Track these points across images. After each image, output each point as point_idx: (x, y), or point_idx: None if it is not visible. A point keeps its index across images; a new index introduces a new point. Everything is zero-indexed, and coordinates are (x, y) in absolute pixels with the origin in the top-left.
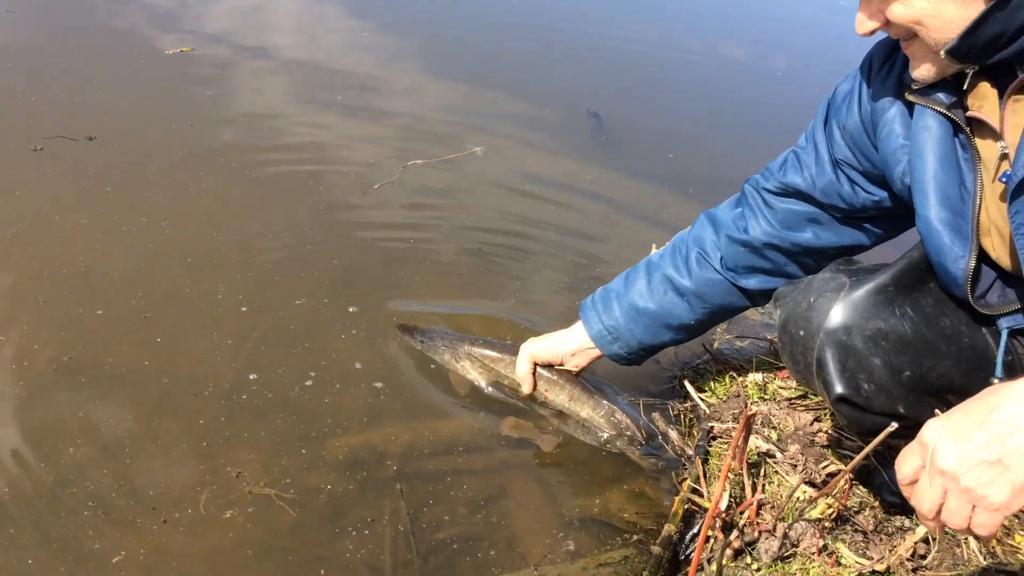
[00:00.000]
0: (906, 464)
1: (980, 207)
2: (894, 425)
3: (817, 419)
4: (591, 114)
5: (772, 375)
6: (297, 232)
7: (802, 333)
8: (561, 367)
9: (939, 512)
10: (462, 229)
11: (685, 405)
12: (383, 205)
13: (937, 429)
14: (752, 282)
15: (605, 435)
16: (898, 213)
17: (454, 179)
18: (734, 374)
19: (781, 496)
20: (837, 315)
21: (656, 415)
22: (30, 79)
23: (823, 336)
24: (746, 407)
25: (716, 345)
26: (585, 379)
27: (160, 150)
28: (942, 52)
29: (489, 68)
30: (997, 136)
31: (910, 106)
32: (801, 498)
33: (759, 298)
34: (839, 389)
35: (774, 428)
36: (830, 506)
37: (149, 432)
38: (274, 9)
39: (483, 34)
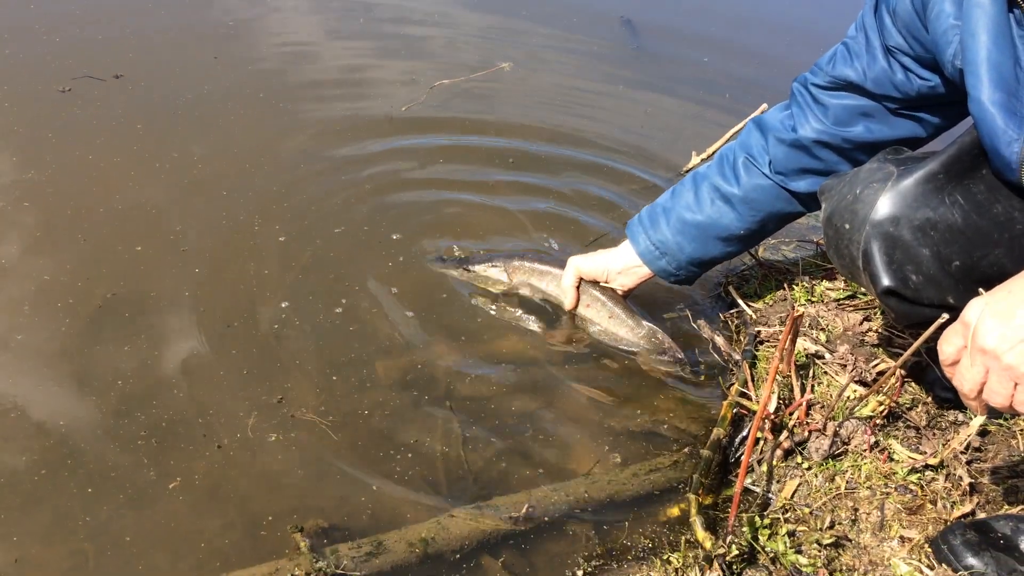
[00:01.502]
0: (948, 344)
1: None
2: (945, 316)
3: (867, 318)
4: (623, 21)
5: (819, 277)
6: (328, 160)
7: (848, 226)
8: (607, 285)
9: (981, 391)
10: (490, 147)
11: (731, 312)
12: (412, 128)
13: (980, 308)
14: (803, 184)
15: (645, 355)
16: (954, 100)
17: (482, 96)
18: (780, 278)
19: (831, 396)
20: (884, 206)
21: (702, 322)
22: (52, 20)
23: (869, 228)
24: (793, 309)
25: (761, 252)
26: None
27: (188, 84)
28: None
29: None
30: None
31: None
32: (851, 397)
33: (811, 202)
34: (886, 282)
35: (822, 330)
36: (881, 403)
37: (195, 363)
38: None
39: None
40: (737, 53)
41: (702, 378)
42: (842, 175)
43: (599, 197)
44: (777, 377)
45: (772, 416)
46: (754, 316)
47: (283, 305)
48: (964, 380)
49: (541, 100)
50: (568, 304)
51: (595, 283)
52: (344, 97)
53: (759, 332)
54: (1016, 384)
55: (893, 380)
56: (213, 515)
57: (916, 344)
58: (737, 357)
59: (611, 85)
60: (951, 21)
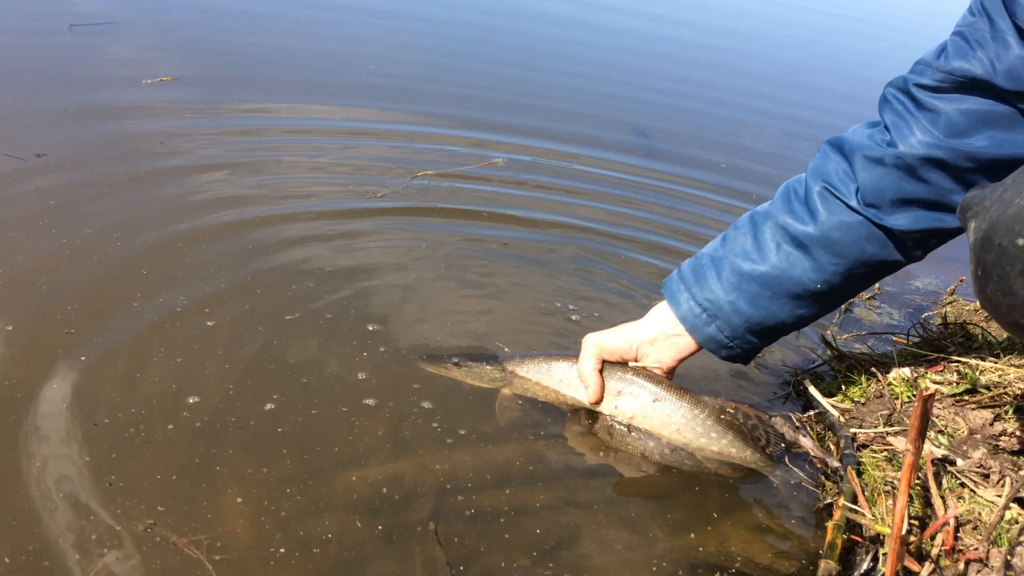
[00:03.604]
0: None
1: None
2: None
3: (997, 418)
4: (636, 130)
5: (922, 369)
6: (280, 246)
7: (1021, 242)
8: (637, 364)
9: None
10: (482, 234)
11: (807, 415)
12: (390, 213)
13: None
14: (903, 220)
15: (714, 444)
16: None
17: (471, 188)
18: (870, 372)
19: (978, 514)
20: None
21: (778, 419)
22: None
23: None
24: (922, 389)
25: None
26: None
27: (122, 166)
28: None
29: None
30: None
31: None
32: (1012, 518)
33: (912, 247)
34: None
35: (941, 432)
36: None
37: (106, 472)
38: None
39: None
40: (754, 157)
41: (792, 480)
42: (991, 185)
43: (612, 283)
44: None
45: (908, 540)
46: (842, 419)
47: (190, 400)
48: None
49: (536, 190)
50: (591, 396)
51: (623, 364)
52: (314, 179)
53: (855, 435)
54: None
55: None
56: None
57: None
58: (835, 464)
59: (622, 175)
60: None
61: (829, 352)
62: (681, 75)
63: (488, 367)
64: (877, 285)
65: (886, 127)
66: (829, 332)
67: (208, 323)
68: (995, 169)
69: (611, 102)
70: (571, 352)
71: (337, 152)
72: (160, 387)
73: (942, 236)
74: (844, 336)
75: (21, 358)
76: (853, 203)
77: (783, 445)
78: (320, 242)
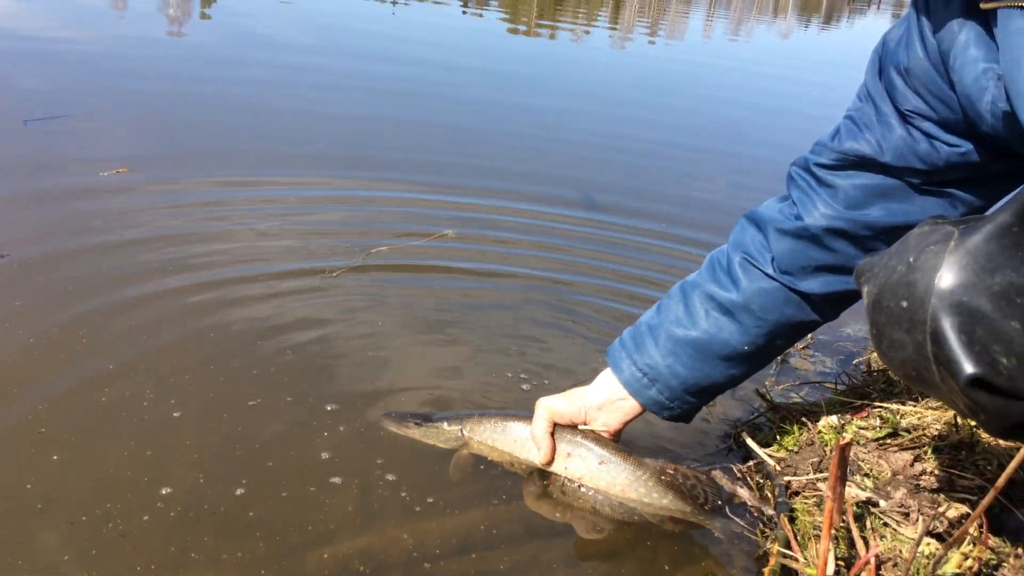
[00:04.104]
0: None
1: None
2: None
3: (917, 458)
4: (583, 195)
5: (848, 416)
6: (240, 328)
7: (905, 304)
8: (586, 427)
9: None
10: (430, 308)
11: (747, 465)
12: (346, 291)
13: None
14: (815, 284)
15: (656, 502)
16: (989, 173)
17: (422, 262)
18: (801, 422)
19: (899, 552)
20: (950, 271)
21: (717, 472)
22: None
23: (935, 301)
24: (840, 438)
25: (769, 397)
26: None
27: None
28: None
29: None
30: None
31: (986, 22)
32: (927, 552)
33: (826, 307)
34: (969, 368)
35: (866, 475)
36: (967, 556)
37: (88, 569)
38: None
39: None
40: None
41: (732, 529)
42: (883, 251)
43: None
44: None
45: None
46: (778, 467)
47: (163, 492)
48: None
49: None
50: (542, 458)
51: (573, 427)
52: (265, 258)
53: (789, 483)
54: None
55: (974, 529)
56: None
57: (1011, 467)
58: (770, 512)
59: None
60: (982, 66)
61: (764, 404)
62: (624, 133)
63: (447, 427)
64: (810, 336)
65: (793, 202)
66: (767, 383)
67: (175, 414)
68: (891, 235)
69: (558, 161)
70: (524, 413)
71: (290, 219)
72: (132, 480)
73: (852, 297)
74: (780, 387)
75: None
76: (769, 271)
77: (721, 500)
78: (277, 312)
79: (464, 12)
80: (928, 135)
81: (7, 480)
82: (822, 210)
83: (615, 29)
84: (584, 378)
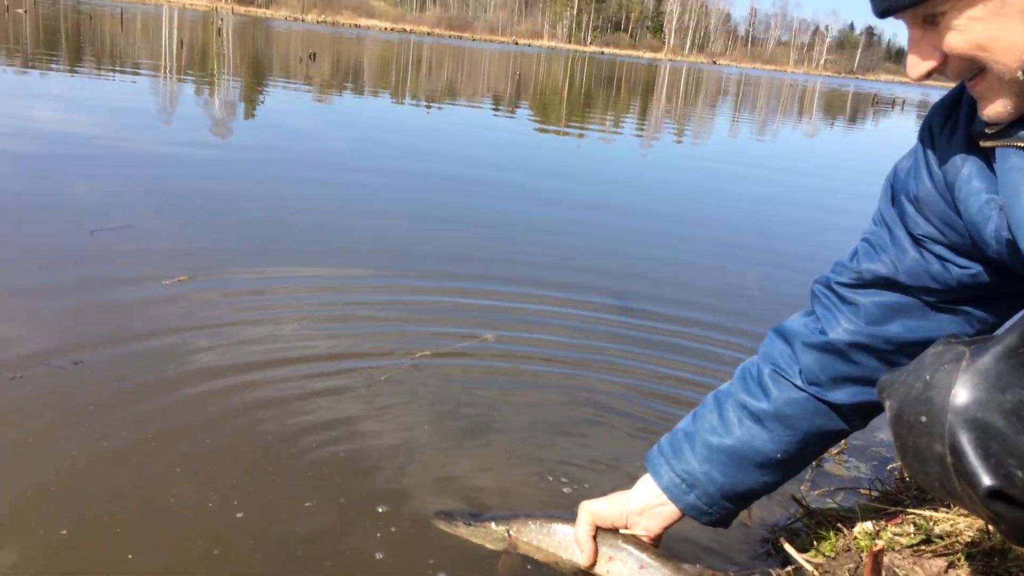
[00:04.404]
0: None
1: None
2: None
3: (951, 565)
4: (620, 302)
5: (883, 522)
6: (296, 433)
7: (924, 419)
8: (628, 532)
9: None
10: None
11: (785, 570)
12: (392, 393)
13: None
14: (842, 395)
15: None
16: (999, 292)
17: (464, 364)
18: (837, 528)
19: None
20: (964, 389)
21: (758, 574)
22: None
23: (952, 416)
24: (873, 544)
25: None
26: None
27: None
28: (1020, 74)
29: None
30: None
31: (986, 157)
32: None
33: (854, 417)
34: (987, 481)
35: None
36: None
37: None
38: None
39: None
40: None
41: None
42: (900, 368)
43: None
44: None
45: None
46: (815, 572)
47: None
48: None
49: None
50: (585, 560)
51: (615, 531)
52: (321, 371)
53: None
54: None
55: None
56: None
57: None
58: None
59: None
60: (984, 197)
61: (800, 510)
62: (656, 230)
63: (494, 527)
64: (844, 441)
65: (817, 317)
66: (802, 487)
67: (238, 515)
68: (911, 348)
69: (592, 260)
70: (568, 515)
71: (338, 322)
72: None
73: (878, 407)
74: (816, 491)
75: (80, 560)
76: (798, 382)
77: None
78: (329, 413)
79: (495, 115)
80: (940, 257)
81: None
82: (845, 325)
83: (642, 130)
84: (622, 480)
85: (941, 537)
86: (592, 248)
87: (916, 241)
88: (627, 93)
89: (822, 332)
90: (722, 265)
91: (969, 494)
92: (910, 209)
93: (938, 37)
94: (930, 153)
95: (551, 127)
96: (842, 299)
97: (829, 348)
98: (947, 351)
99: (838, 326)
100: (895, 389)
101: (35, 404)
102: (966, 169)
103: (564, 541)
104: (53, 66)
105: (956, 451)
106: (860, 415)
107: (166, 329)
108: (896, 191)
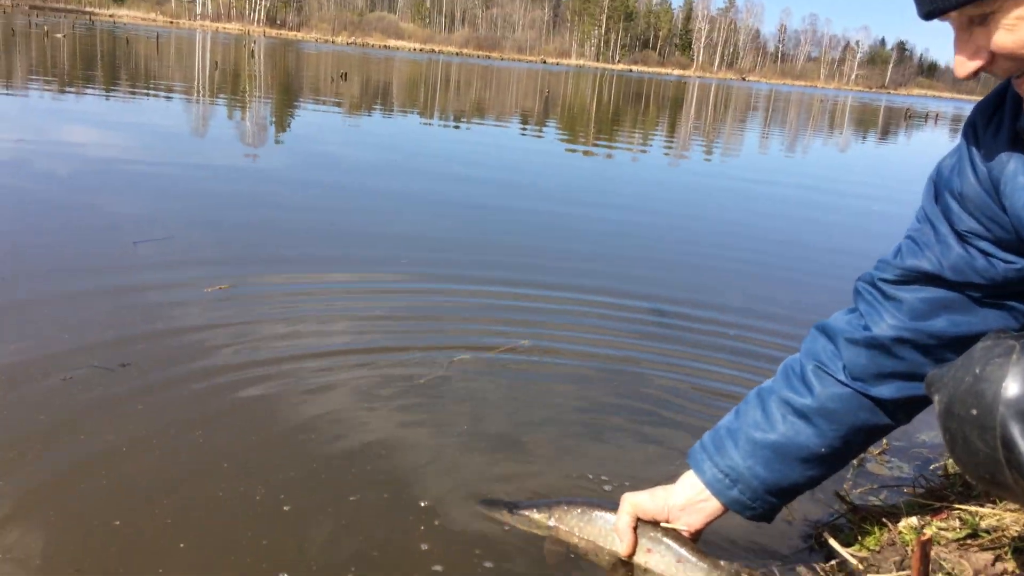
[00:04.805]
0: None
1: None
2: None
3: (998, 558)
4: (653, 305)
5: (928, 517)
6: (341, 431)
7: (975, 412)
8: (669, 526)
9: None
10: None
11: (829, 564)
12: (431, 396)
13: None
14: (886, 390)
15: None
16: None
17: (504, 371)
18: (881, 523)
19: None
20: (1015, 382)
21: (802, 568)
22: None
23: (1003, 408)
24: (920, 534)
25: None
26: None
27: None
28: None
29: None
30: None
31: None
32: None
33: (897, 411)
34: None
35: (948, 574)
36: None
37: None
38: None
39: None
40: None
41: None
42: (949, 363)
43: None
44: None
45: None
46: (860, 566)
47: None
48: None
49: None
50: (624, 550)
51: (655, 524)
52: (359, 373)
53: None
54: None
55: None
56: None
57: None
58: None
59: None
60: None
61: (844, 506)
62: (686, 240)
63: (537, 515)
64: (885, 441)
65: (861, 314)
66: (845, 486)
67: (284, 508)
68: (956, 344)
69: (624, 269)
70: (611, 504)
71: (378, 329)
72: (252, 566)
73: (923, 402)
74: (859, 490)
75: (133, 550)
76: (842, 377)
77: None
78: (370, 414)
79: (523, 133)
80: (984, 253)
81: (144, 570)
82: (889, 321)
83: (671, 147)
84: (662, 479)
85: (987, 532)
86: (624, 256)
87: (960, 237)
88: (655, 109)
89: (866, 328)
90: (756, 272)
91: (1022, 486)
92: (954, 205)
93: (985, 36)
94: (974, 150)
95: (579, 145)
96: (886, 295)
97: (873, 344)
98: (997, 345)
99: (882, 322)
100: (944, 383)
101: (86, 403)
102: (1012, 165)
103: (604, 530)
104: (88, 89)
105: (1008, 443)
106: (904, 410)
107: (209, 333)
108: (940, 188)
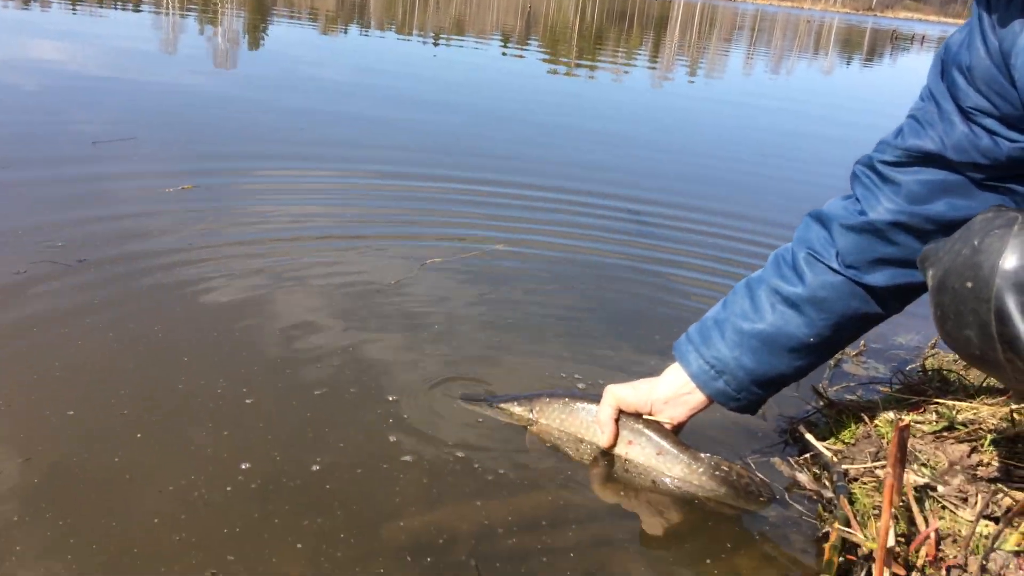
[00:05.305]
0: None
1: None
2: None
3: (974, 450)
4: (631, 212)
5: (905, 411)
6: (307, 328)
7: (970, 284)
8: (651, 418)
9: None
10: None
11: (804, 457)
12: (402, 297)
13: None
14: (879, 277)
15: (710, 494)
16: None
17: (479, 272)
18: (858, 417)
19: (958, 531)
20: (1015, 253)
21: (777, 459)
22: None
23: (1000, 280)
24: (898, 421)
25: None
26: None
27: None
28: None
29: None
30: None
31: None
32: (984, 532)
33: (890, 300)
34: None
35: (924, 464)
36: None
37: (175, 531)
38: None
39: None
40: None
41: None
42: (943, 239)
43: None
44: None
45: (894, 553)
46: (834, 458)
47: (243, 467)
48: None
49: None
50: (605, 441)
51: (637, 416)
52: (333, 272)
53: (847, 471)
54: None
55: None
56: None
57: None
58: (829, 495)
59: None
60: None
61: (820, 402)
62: (669, 148)
63: (518, 408)
64: (863, 342)
65: (857, 199)
66: (821, 385)
67: (247, 400)
68: (953, 229)
69: (605, 176)
70: (593, 396)
71: (348, 229)
72: (213, 456)
73: (916, 289)
74: (834, 388)
75: (87, 438)
76: (835, 265)
77: (775, 495)
78: (338, 313)
79: (504, 53)
80: (990, 131)
81: (99, 456)
82: (886, 205)
83: (654, 68)
84: (633, 379)
85: (964, 424)
86: (604, 165)
87: (966, 115)
88: (639, 29)
89: (862, 213)
90: (739, 180)
91: (1014, 362)
92: (961, 81)
93: None
94: (986, 19)
95: (561, 66)
96: (884, 178)
97: (869, 228)
98: (998, 216)
99: (879, 205)
100: (939, 257)
101: (39, 296)
102: None
103: (586, 422)
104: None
105: (1002, 316)
106: (897, 298)
107: (171, 232)
108: (947, 64)
